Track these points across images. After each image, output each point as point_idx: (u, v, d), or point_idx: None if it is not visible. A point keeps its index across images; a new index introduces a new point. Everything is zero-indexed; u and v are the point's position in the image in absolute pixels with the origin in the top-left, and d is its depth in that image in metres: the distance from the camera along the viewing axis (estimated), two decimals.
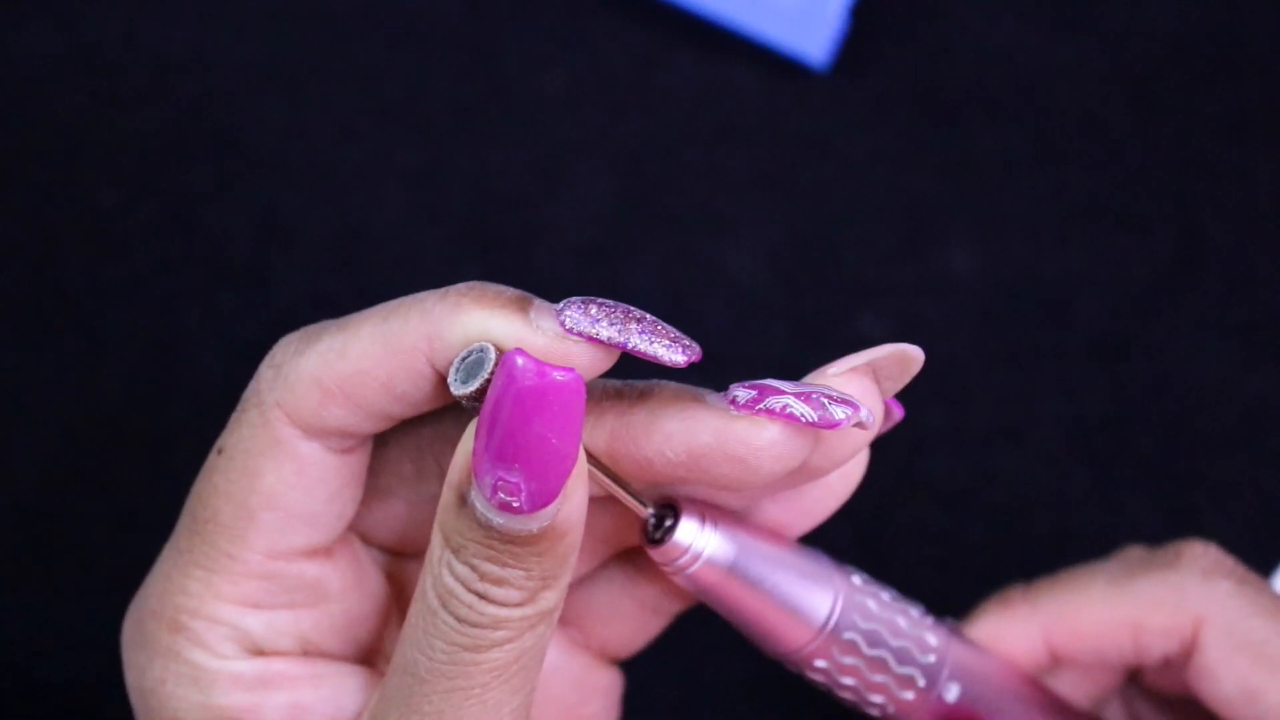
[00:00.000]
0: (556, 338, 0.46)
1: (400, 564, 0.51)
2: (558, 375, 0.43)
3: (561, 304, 0.46)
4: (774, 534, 0.50)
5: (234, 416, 0.50)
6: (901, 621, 0.52)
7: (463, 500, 0.44)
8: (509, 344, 0.46)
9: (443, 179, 0.67)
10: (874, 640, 0.51)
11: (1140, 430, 0.62)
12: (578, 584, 0.52)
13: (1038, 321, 0.66)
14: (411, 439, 0.50)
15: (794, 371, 0.61)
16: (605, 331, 0.46)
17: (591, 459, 0.47)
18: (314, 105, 0.68)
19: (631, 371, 0.48)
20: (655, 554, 0.48)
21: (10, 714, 0.67)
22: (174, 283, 0.67)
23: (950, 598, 0.66)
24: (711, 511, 0.49)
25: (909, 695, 0.53)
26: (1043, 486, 0.66)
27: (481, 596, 0.45)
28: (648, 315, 0.47)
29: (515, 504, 0.44)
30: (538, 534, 0.44)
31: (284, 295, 0.67)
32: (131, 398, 0.67)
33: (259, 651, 0.48)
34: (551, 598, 0.45)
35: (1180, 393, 0.66)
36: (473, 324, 0.46)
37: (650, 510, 0.48)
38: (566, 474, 0.44)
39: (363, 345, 0.48)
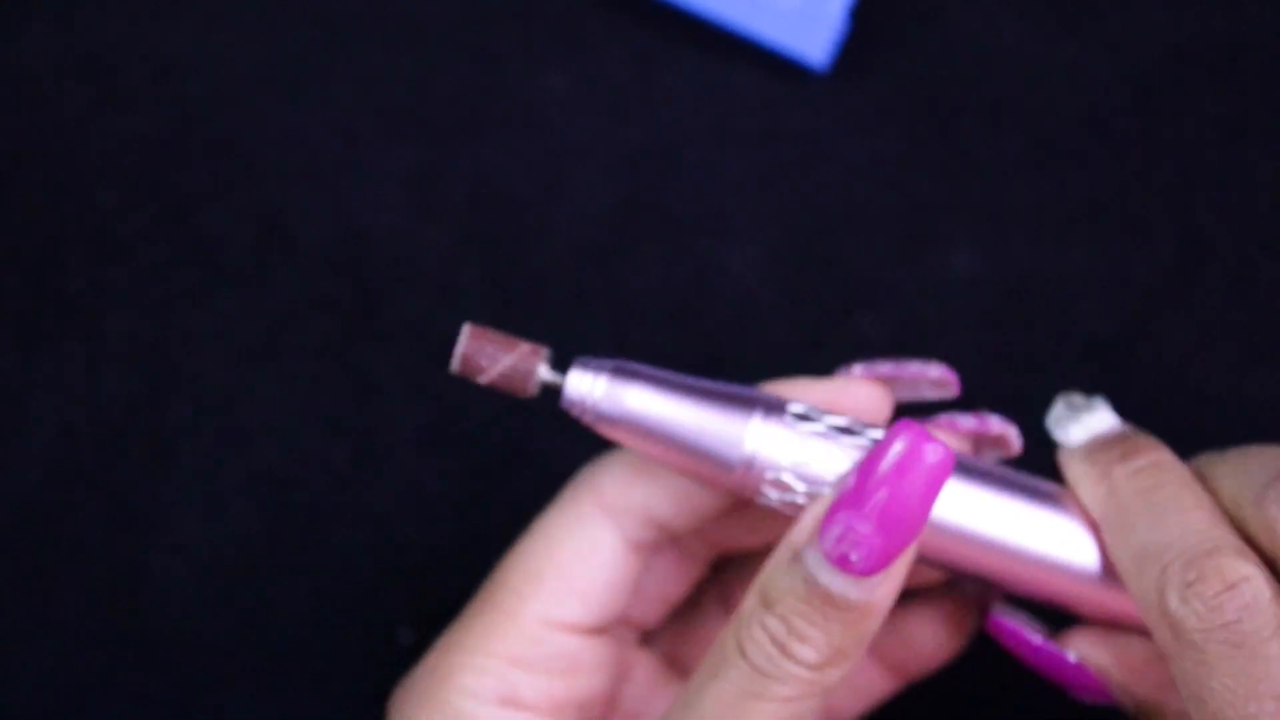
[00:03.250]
0: (837, 378, 0.55)
1: (639, 657, 0.57)
2: (938, 449, 0.48)
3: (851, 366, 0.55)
4: (690, 380, 0.52)
5: (553, 501, 0.55)
6: (835, 455, 0.52)
7: (795, 558, 0.49)
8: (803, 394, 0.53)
9: (443, 181, 0.67)
10: (806, 477, 0.52)
11: (1140, 430, 0.62)
12: None
13: (1038, 323, 0.66)
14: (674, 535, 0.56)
15: (793, 373, 0.61)
16: (883, 367, 0.55)
17: None
18: (314, 107, 0.68)
19: None
20: (563, 404, 0.52)
21: (11, 714, 0.67)
22: (174, 284, 0.67)
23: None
24: (622, 366, 0.52)
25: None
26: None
27: (783, 650, 0.49)
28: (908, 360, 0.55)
29: (854, 558, 0.48)
30: (853, 603, 0.48)
31: (284, 297, 0.67)
32: (132, 399, 0.67)
33: (514, 703, 0.53)
34: (834, 676, 0.49)
35: (1180, 393, 0.66)
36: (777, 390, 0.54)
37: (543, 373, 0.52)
38: (909, 542, 0.48)
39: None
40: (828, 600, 0.48)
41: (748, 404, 0.52)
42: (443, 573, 0.66)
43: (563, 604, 0.54)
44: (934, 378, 0.55)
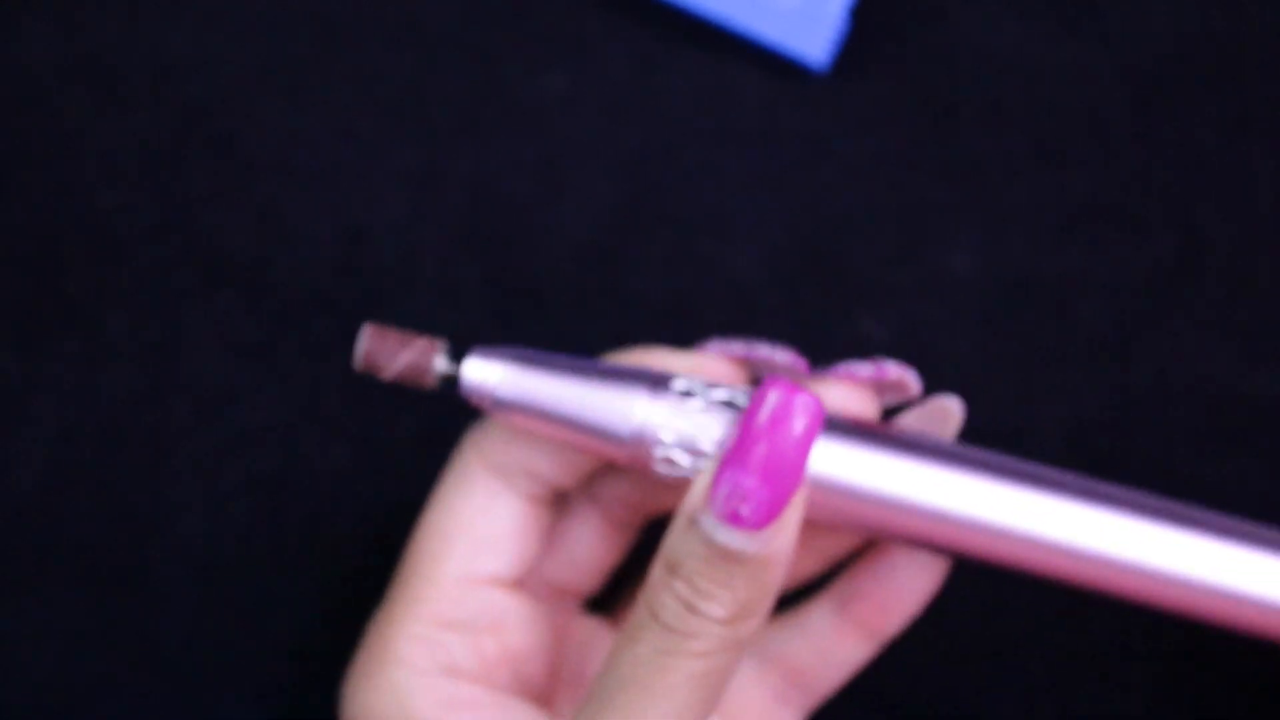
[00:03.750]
0: (695, 355, 0.56)
1: (564, 616, 0.59)
2: (807, 399, 0.51)
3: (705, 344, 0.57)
4: (579, 362, 0.55)
5: (446, 467, 0.58)
6: (718, 424, 0.54)
7: (692, 523, 0.51)
8: (669, 366, 0.56)
9: (443, 180, 0.67)
10: (691, 449, 0.55)
11: (1140, 430, 0.62)
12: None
13: (1038, 322, 0.66)
14: (599, 504, 0.59)
15: (792, 371, 0.61)
16: (736, 347, 0.57)
17: None
18: (314, 106, 0.68)
19: None
20: (462, 393, 0.55)
21: (11, 714, 0.67)
22: (174, 284, 0.67)
23: (950, 598, 0.66)
24: (513, 353, 0.55)
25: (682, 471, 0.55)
26: None
27: (690, 609, 0.51)
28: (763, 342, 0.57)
29: (744, 512, 0.51)
30: (751, 556, 0.51)
31: (284, 296, 0.67)
32: (132, 399, 0.67)
33: (455, 672, 0.56)
34: (746, 629, 0.51)
35: (1180, 393, 0.66)
36: (643, 359, 0.56)
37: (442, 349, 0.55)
38: (793, 490, 0.51)
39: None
40: (727, 557, 0.51)
41: (634, 382, 0.55)
42: None
43: (474, 558, 0.56)
44: (781, 362, 0.57)
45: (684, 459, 0.55)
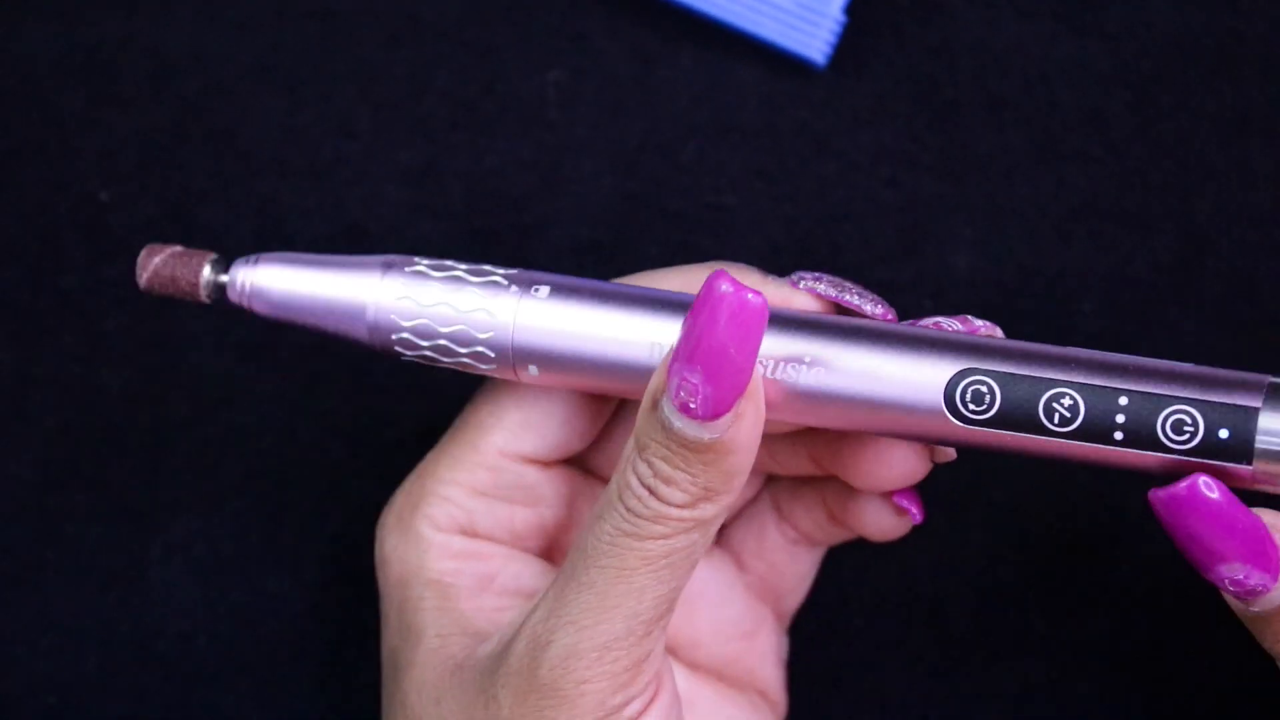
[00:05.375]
0: (783, 285, 0.56)
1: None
2: (751, 297, 0.50)
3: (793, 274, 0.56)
4: (332, 257, 0.57)
5: None
6: (459, 304, 0.56)
7: (655, 405, 0.52)
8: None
9: (442, 176, 0.67)
10: (425, 333, 0.56)
11: None
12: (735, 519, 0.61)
13: (1038, 320, 0.66)
14: None
15: None
16: (823, 287, 0.56)
17: None
18: (312, 103, 0.68)
19: None
20: (230, 298, 0.57)
21: (9, 711, 0.67)
22: None
23: (951, 598, 0.66)
24: (272, 255, 0.57)
25: (490, 366, 0.56)
26: (1044, 486, 0.66)
27: (651, 491, 0.52)
28: (858, 285, 0.56)
29: (693, 405, 0.51)
30: (709, 443, 0.51)
31: None
32: (130, 396, 0.67)
33: (473, 533, 0.58)
34: (710, 510, 0.52)
35: None
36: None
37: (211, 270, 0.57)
38: (740, 387, 0.51)
39: None
40: (684, 444, 0.51)
41: (372, 266, 0.56)
42: None
43: (521, 436, 0.58)
44: (870, 314, 0.56)
45: (421, 342, 0.56)
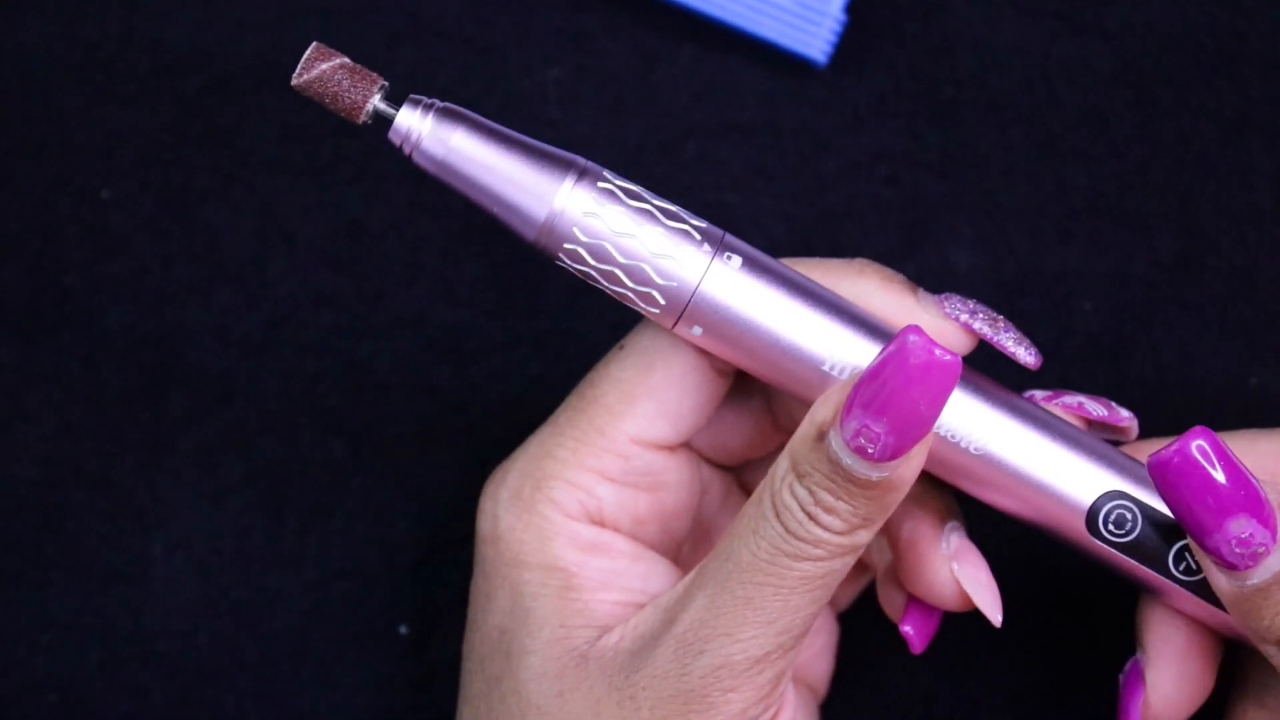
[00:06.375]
0: (937, 318, 0.57)
1: (708, 472, 0.61)
2: (944, 355, 0.51)
3: (941, 296, 0.57)
4: (518, 136, 0.54)
5: (641, 322, 0.58)
6: (647, 241, 0.54)
7: (821, 436, 0.52)
8: (898, 316, 0.56)
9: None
10: (600, 255, 0.54)
11: (1139, 430, 0.62)
12: None
13: (1038, 319, 0.66)
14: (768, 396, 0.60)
15: None
16: (978, 324, 0.57)
17: None
18: (313, 101, 0.68)
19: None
20: (391, 135, 0.54)
21: (10, 709, 0.67)
22: (173, 278, 0.67)
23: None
24: (444, 109, 0.54)
25: (655, 310, 0.55)
26: None
27: (811, 518, 0.53)
28: (1006, 319, 0.57)
29: (870, 451, 0.52)
30: (875, 482, 0.52)
31: (283, 291, 0.67)
32: (131, 393, 0.67)
33: (600, 521, 0.58)
34: (863, 537, 0.53)
35: (1179, 389, 0.66)
36: (867, 289, 0.57)
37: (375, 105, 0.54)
38: (920, 438, 0.52)
39: None
40: (850, 479, 0.52)
41: (566, 166, 0.54)
42: (442, 568, 0.66)
43: (652, 424, 0.58)
44: (1022, 360, 0.57)
45: (591, 260, 0.54)
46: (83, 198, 0.68)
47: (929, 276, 0.66)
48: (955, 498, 0.60)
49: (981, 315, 0.57)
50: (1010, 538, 0.64)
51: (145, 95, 0.68)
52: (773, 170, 0.67)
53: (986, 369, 0.58)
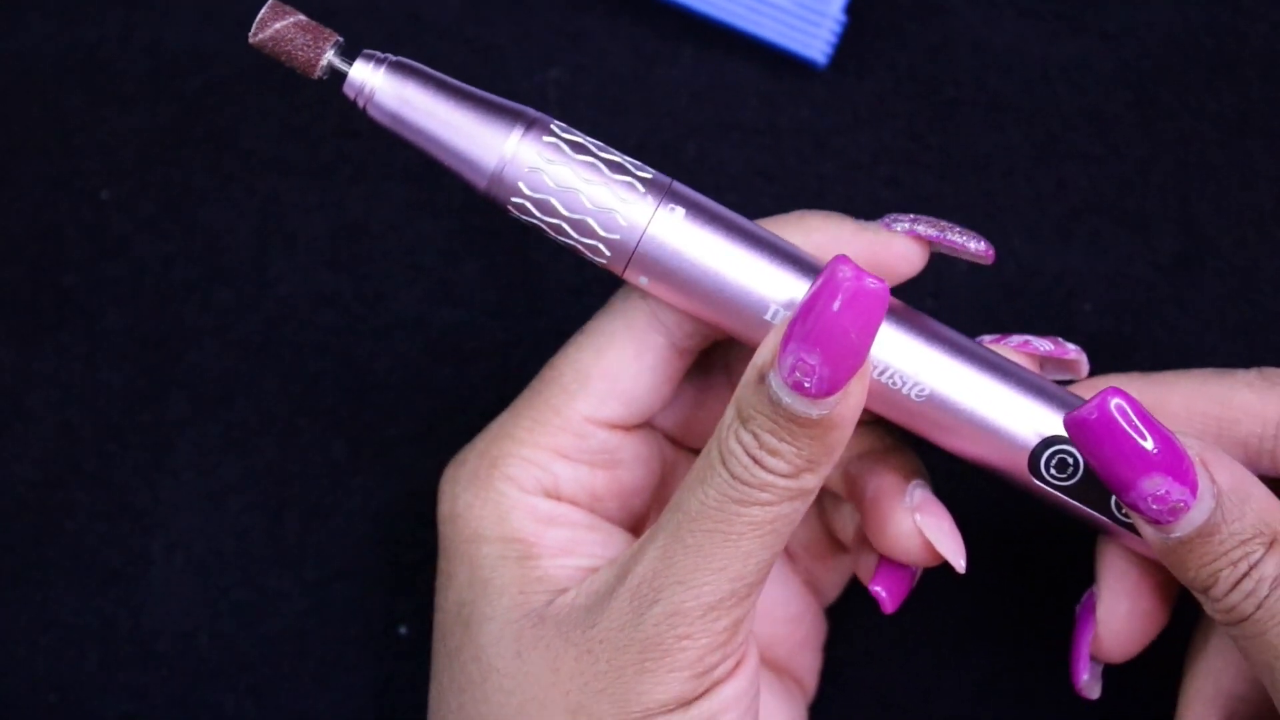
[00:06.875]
0: (880, 233, 0.57)
1: (673, 453, 0.62)
2: (871, 282, 0.51)
3: (883, 217, 0.58)
4: (468, 89, 0.55)
5: (607, 304, 0.59)
6: (591, 195, 0.55)
7: (761, 379, 0.53)
8: (841, 248, 0.57)
9: (442, 174, 0.67)
10: (546, 209, 0.55)
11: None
12: None
13: (1038, 319, 0.66)
14: (720, 354, 0.61)
15: None
16: (923, 228, 0.58)
17: None
18: (313, 101, 0.68)
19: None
20: (345, 89, 0.55)
21: (10, 709, 0.67)
22: (173, 279, 0.67)
23: (953, 597, 0.66)
24: (397, 64, 0.55)
25: (602, 261, 0.56)
26: None
27: (756, 461, 0.53)
28: (949, 221, 0.58)
29: (807, 384, 0.52)
30: (816, 420, 0.52)
31: (283, 291, 0.67)
32: (130, 394, 0.67)
33: (556, 495, 0.59)
34: (811, 480, 0.54)
35: None
36: (808, 229, 0.57)
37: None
38: (855, 369, 0.52)
39: None
40: (792, 419, 0.53)
41: (514, 118, 0.55)
42: None
43: (607, 403, 0.58)
44: (974, 250, 0.58)
45: (537, 213, 0.55)
46: (83, 198, 0.68)
47: (929, 276, 0.66)
48: (921, 459, 0.60)
49: (924, 221, 0.58)
50: (1009, 538, 0.64)
51: (145, 95, 0.68)
52: (773, 170, 0.67)
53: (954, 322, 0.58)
